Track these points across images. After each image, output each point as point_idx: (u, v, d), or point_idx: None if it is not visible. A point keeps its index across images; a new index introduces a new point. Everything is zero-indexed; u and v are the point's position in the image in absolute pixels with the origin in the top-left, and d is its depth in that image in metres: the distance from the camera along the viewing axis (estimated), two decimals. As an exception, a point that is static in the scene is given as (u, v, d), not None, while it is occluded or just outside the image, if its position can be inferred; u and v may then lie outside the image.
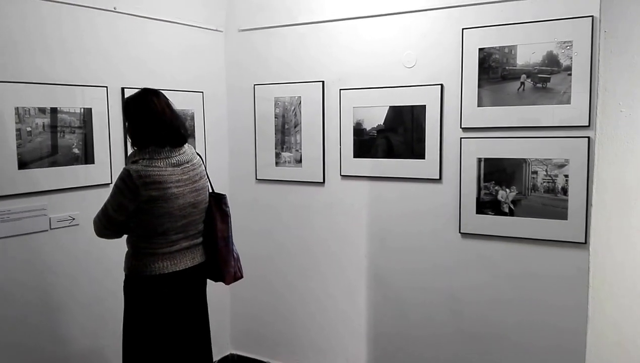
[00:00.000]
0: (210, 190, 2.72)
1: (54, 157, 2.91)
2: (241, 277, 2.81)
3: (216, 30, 3.85)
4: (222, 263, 2.71)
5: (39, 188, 2.85)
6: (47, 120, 2.87)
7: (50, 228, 2.92)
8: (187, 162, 2.56)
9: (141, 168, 2.43)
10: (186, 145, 2.62)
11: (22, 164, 2.77)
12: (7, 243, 2.75)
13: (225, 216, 2.73)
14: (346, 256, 3.60)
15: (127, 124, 2.60)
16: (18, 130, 2.74)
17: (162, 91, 2.60)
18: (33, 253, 2.86)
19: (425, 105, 3.21)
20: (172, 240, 2.54)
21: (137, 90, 2.58)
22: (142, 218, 2.48)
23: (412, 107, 3.25)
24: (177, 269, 2.55)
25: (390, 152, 3.35)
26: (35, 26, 2.84)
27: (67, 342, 3.03)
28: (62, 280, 3.00)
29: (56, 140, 2.91)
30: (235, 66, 3.93)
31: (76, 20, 3.01)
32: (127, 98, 2.61)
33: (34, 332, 2.88)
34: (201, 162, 2.70)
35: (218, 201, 2.72)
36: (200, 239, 2.68)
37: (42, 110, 2.85)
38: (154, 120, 2.49)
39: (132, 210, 2.46)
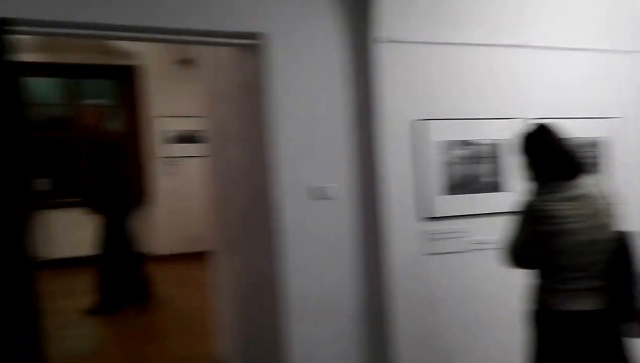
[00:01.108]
0: (618, 228, 2.50)
1: (471, 185, 3.23)
2: None
3: (629, 51, 3.64)
4: (625, 314, 2.45)
5: (458, 212, 3.20)
6: (464, 151, 3.21)
7: (468, 250, 3.23)
8: (585, 196, 2.46)
9: (537, 202, 2.46)
10: (586, 178, 2.52)
11: (445, 191, 3.17)
12: (431, 259, 3.16)
13: (626, 259, 2.44)
14: None
15: (524, 158, 2.61)
16: (443, 161, 3.16)
17: (573, 119, 2.57)
18: (451, 270, 3.21)
19: None
20: (570, 278, 2.46)
21: (532, 125, 2.60)
22: (538, 252, 2.51)
23: None
24: (578, 309, 2.44)
25: None
26: (451, 69, 3.24)
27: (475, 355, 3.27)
28: (474, 298, 3.26)
29: (472, 170, 3.23)
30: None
31: (492, 59, 3.31)
32: (523, 133, 2.63)
33: (442, 341, 3.20)
34: (604, 196, 2.52)
35: (620, 240, 2.47)
36: (604, 282, 2.47)
37: (460, 143, 3.20)
38: (548, 155, 2.50)
39: (530, 244, 2.50)
